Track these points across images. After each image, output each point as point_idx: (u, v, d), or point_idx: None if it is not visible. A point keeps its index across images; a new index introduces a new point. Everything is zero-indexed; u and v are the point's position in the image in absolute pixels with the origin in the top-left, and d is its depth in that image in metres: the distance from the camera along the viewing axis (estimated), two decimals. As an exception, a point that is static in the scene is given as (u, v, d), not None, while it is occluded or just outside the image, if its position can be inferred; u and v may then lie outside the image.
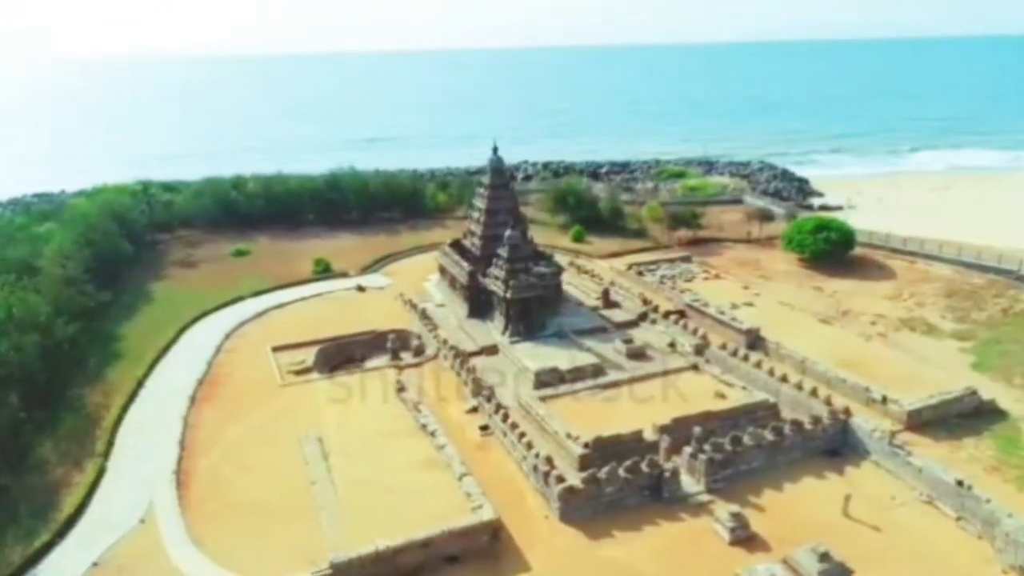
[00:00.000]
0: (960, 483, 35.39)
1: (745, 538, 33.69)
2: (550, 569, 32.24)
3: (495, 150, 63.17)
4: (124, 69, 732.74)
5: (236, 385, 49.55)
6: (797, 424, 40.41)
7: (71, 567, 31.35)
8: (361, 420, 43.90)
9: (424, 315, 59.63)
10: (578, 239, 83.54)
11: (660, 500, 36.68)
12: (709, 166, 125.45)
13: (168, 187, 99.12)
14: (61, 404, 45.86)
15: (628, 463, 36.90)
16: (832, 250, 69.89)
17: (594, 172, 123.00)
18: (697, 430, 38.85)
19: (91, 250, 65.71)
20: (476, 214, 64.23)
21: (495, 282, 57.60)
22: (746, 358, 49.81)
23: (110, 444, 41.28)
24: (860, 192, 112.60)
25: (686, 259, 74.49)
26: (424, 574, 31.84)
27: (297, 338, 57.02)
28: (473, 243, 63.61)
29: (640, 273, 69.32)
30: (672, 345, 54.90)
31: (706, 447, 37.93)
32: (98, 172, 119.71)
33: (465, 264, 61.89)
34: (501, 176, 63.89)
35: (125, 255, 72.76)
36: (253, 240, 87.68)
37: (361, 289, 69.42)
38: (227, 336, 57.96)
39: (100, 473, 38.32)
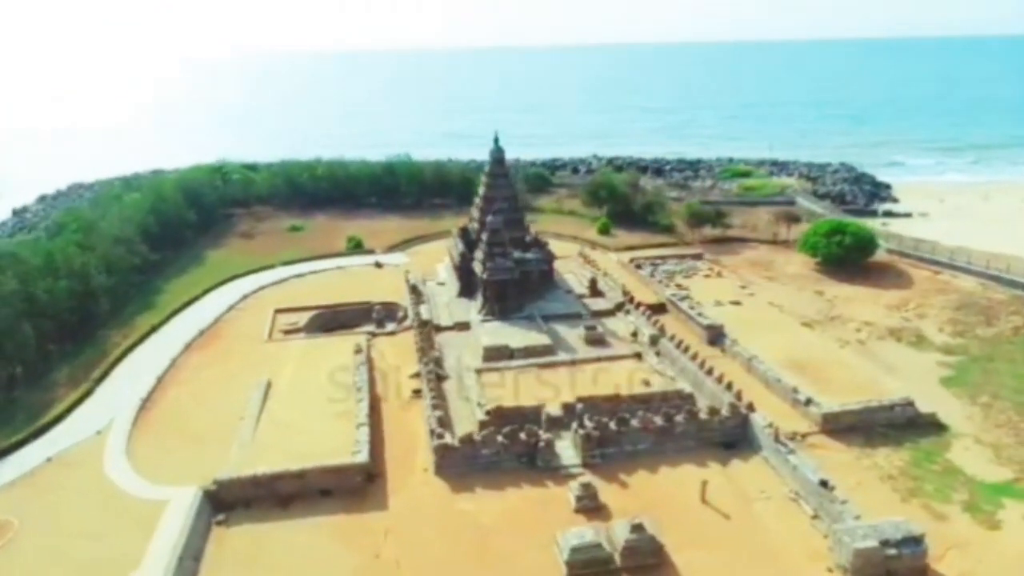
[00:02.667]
0: (824, 483, 35.23)
1: (591, 508, 35.62)
2: (403, 511, 35.97)
3: (496, 140, 66.68)
4: (261, 65, 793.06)
5: (230, 337, 56.90)
6: (691, 413, 41.25)
7: (30, 460, 39.24)
8: (312, 373, 49.38)
9: (413, 290, 64.46)
10: (603, 231, 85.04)
11: (535, 468, 39.23)
12: (779, 166, 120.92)
13: (251, 167, 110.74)
14: (87, 341, 55.12)
15: (506, 430, 39.78)
16: (845, 254, 67.22)
17: (658, 169, 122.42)
18: (579, 408, 40.89)
19: (155, 217, 76.23)
20: (477, 200, 68.15)
21: (478, 264, 61.38)
22: (686, 350, 50.43)
23: (106, 374, 49.56)
24: (942, 200, 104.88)
25: (697, 256, 74.29)
26: (298, 501, 36.57)
27: (302, 303, 63.88)
28: (472, 227, 67.60)
29: (638, 266, 70.26)
30: (634, 334, 56.24)
31: (586, 424, 39.93)
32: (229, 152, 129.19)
33: (460, 246, 66.07)
34: (500, 166, 67.30)
35: (189, 223, 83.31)
36: (311, 218, 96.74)
37: (379, 265, 75.52)
38: (244, 297, 65.87)
39: (86, 395, 46.48)
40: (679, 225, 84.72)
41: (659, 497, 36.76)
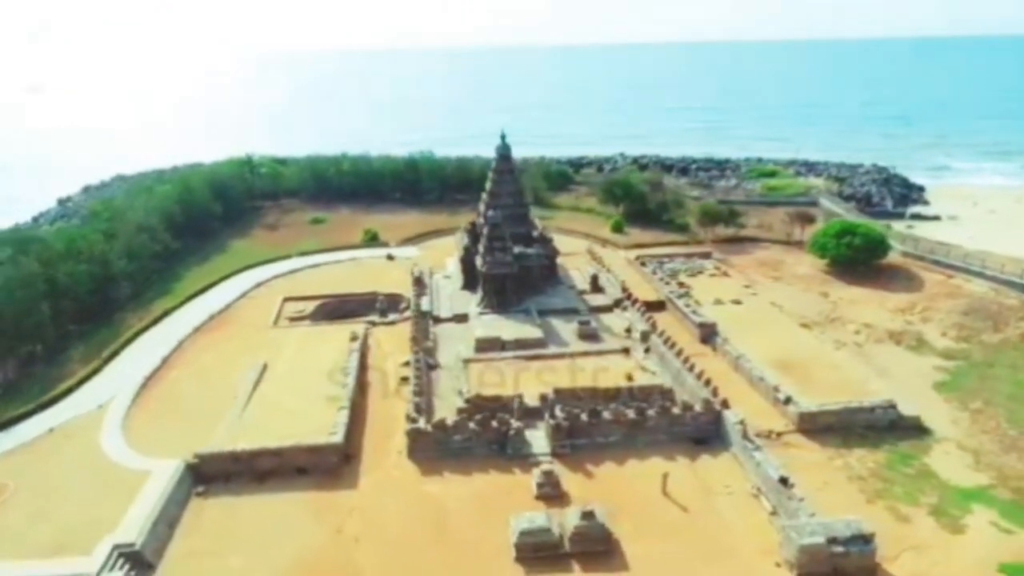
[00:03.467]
0: (783, 480, 35.29)
1: (552, 495, 36.41)
2: (371, 491, 37.43)
3: (503, 138, 67.71)
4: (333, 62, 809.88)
5: (237, 323, 59.38)
6: (663, 408, 41.61)
7: (35, 429, 42.17)
8: (308, 358, 51.31)
9: (416, 282, 66.03)
10: (616, 229, 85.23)
11: (505, 455, 40.21)
12: (808, 167, 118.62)
13: (281, 161, 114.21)
14: (105, 322, 58.30)
15: (478, 417, 40.87)
16: (854, 255, 66.07)
17: (684, 168, 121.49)
18: (550, 398, 41.68)
19: (181, 207, 79.66)
20: (484, 196, 69.30)
21: (479, 258, 62.55)
22: (672, 346, 50.64)
23: (116, 353, 52.45)
24: (975, 203, 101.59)
25: (705, 255, 73.98)
26: (275, 477, 38.36)
27: (311, 292, 66.11)
28: (478, 223, 68.79)
29: (643, 264, 70.37)
30: (628, 330, 56.62)
31: (557, 415, 40.72)
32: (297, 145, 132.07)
33: (466, 240, 67.37)
34: (507, 162, 68.28)
35: (215, 214, 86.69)
36: (335, 211, 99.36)
37: (390, 258, 77.39)
38: (257, 285, 68.49)
39: (95, 372, 49.38)
40: (693, 224, 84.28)
41: (622, 488, 37.32)
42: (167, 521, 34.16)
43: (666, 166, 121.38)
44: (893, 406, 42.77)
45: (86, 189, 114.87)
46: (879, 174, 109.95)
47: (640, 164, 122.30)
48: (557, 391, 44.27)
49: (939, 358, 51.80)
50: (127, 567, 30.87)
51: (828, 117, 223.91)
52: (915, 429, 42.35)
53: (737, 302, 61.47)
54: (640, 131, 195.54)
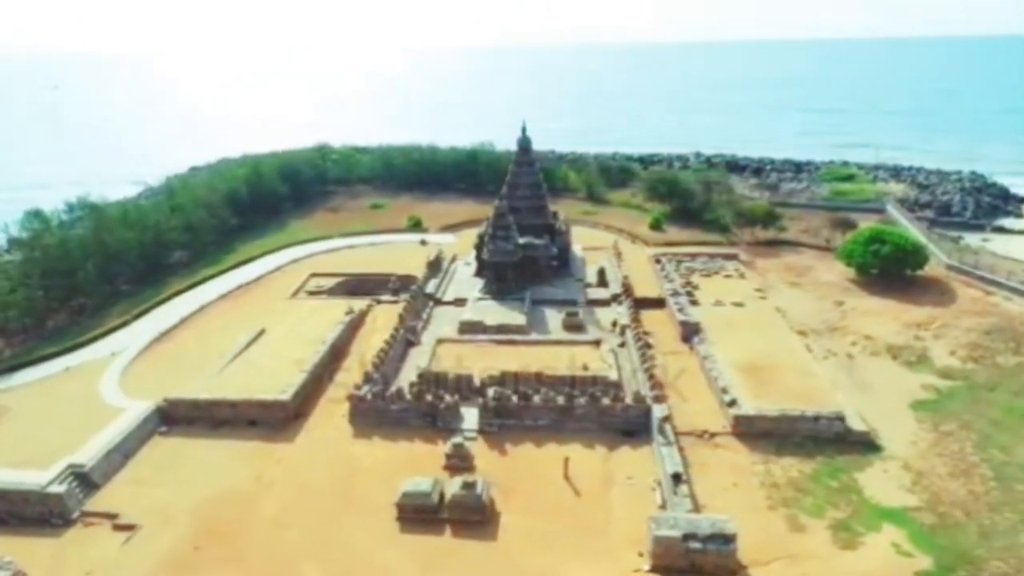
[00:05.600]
0: (676, 476, 35.32)
1: (459, 467, 38.22)
2: (304, 446, 41.04)
3: (524, 130, 69.56)
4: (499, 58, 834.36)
5: (259, 293, 65.28)
6: (593, 398, 42.22)
7: (55, 368, 49.46)
8: (303, 327, 55.86)
9: (431, 265, 69.32)
10: (655, 227, 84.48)
11: (435, 428, 42.54)
12: (893, 171, 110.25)
13: (361, 150, 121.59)
14: (153, 284, 66.05)
15: (415, 390, 43.47)
16: (881, 264, 62.10)
17: (757, 169, 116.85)
18: (485, 380, 43.45)
19: (248, 188, 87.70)
20: (504, 187, 71.44)
21: (484, 246, 64.97)
22: (637, 339, 50.72)
23: (146, 311, 59.66)
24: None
25: (731, 257, 72.05)
26: (228, 426, 42.88)
27: (338, 270, 71.18)
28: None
29: (657, 261, 69.73)
30: (615, 324, 56.96)
31: (488, 395, 42.52)
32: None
33: (484, 228, 69.86)
34: (526, 154, 70.15)
35: (282, 196, 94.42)
36: (397, 198, 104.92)
37: (423, 243, 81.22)
38: (293, 261, 74.54)
39: (123, 325, 56.64)
40: (732, 225, 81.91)
41: (529, 468, 38.60)
42: (123, 452, 39.43)
43: (739, 166, 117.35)
44: (841, 419, 40.93)
45: (193, 169, 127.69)
46: (972, 182, 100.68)
47: (711, 163, 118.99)
48: (503, 373, 46.01)
49: (935, 376, 48.33)
50: (74, 484, 36.21)
51: (955, 122, 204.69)
52: (862, 444, 40.32)
53: (739, 304, 59.94)
54: (744, 131, 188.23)
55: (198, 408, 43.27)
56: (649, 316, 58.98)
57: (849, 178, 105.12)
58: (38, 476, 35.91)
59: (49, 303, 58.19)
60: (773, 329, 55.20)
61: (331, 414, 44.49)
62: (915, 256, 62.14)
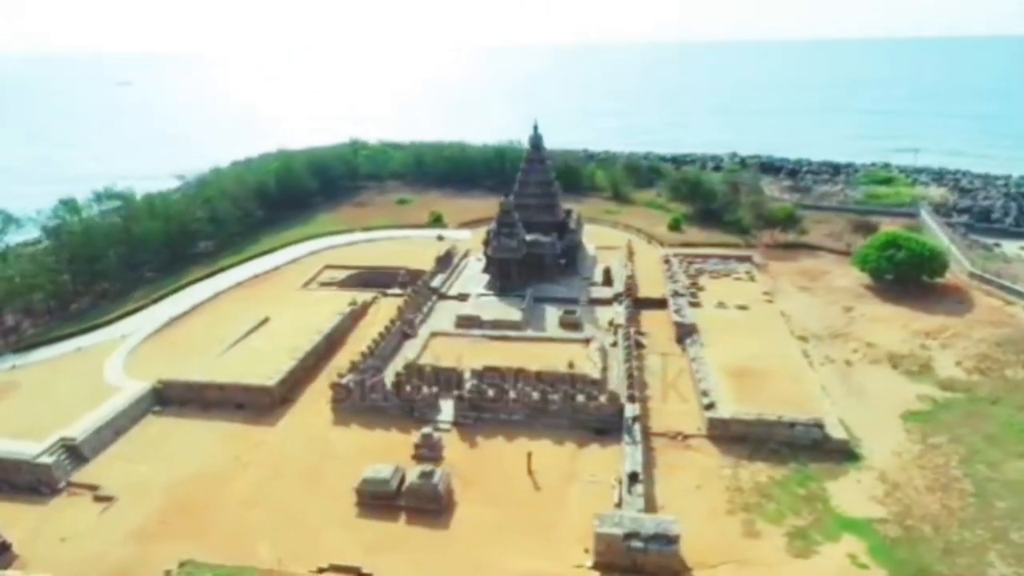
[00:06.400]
0: (633, 475, 35.22)
1: (427, 456, 38.90)
2: (283, 430, 42.49)
3: (535, 128, 69.82)
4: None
5: (273, 283, 67.41)
6: (568, 395, 42.31)
7: (69, 347, 52.38)
8: (305, 317, 57.48)
9: (440, 260, 70.27)
10: (674, 227, 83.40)
11: (412, 418, 43.39)
12: (936, 175, 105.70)
13: (396, 146, 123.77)
14: (174, 272, 69.04)
15: (395, 381, 44.41)
16: (895, 270, 59.94)
17: (792, 171, 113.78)
18: (467, 374, 44.10)
19: (277, 182, 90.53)
20: (515, 184, 71.84)
21: (489, 242, 65.56)
22: (626, 339, 50.45)
23: (163, 297, 62.42)
24: None
25: (744, 259, 70.67)
26: (217, 408, 44.67)
27: (352, 263, 72.91)
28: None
29: (667, 262, 68.95)
30: (611, 323, 56.74)
31: (465, 388, 43.12)
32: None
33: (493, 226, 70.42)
34: (537, 152, 70.36)
35: (311, 191, 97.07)
36: (425, 194, 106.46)
37: (440, 238, 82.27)
38: (311, 253, 76.60)
39: (139, 309, 59.45)
40: (752, 227, 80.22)
41: (496, 461, 39.05)
42: (115, 429, 41.61)
43: (774, 167, 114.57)
44: (819, 426, 39.96)
45: (234, 163, 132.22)
46: (1017, 187, 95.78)
47: (745, 164, 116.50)
48: (486, 368, 46.52)
49: (934, 387, 46.55)
50: (63, 456, 38.48)
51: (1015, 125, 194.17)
52: (839, 452, 39.32)
53: (743, 307, 58.90)
54: (795, 133, 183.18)
55: (191, 390, 45.24)
56: (651, 316, 58.63)
57: (888, 181, 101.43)
58: (31, 447, 38.26)
59: (76, 287, 61.57)
60: (772, 333, 54.07)
61: (316, 401, 45.83)
62: (932, 262, 59.72)
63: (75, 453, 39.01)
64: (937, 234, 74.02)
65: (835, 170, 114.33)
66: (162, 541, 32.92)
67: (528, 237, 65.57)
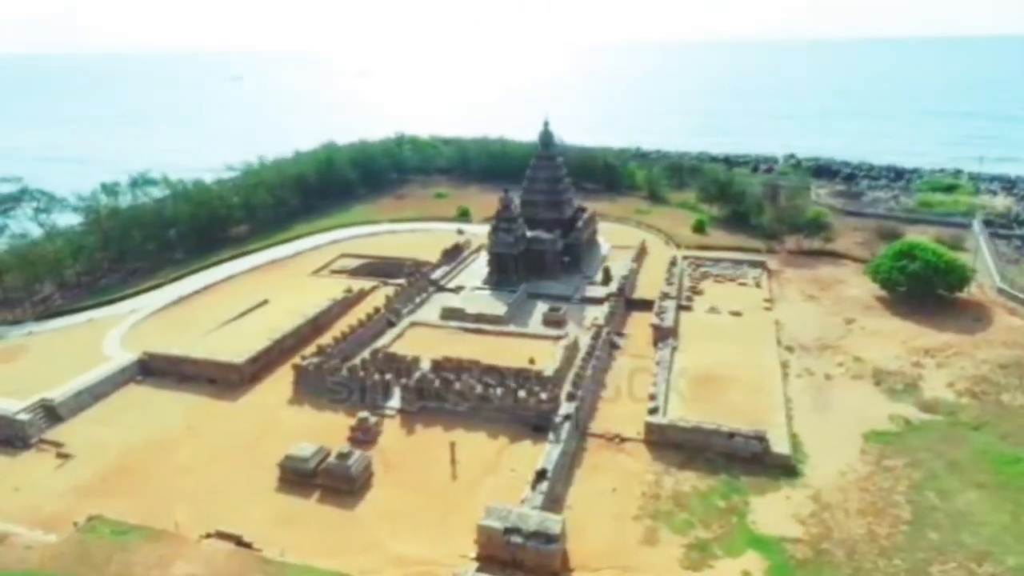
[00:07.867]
0: (541, 473, 35.09)
1: (361, 440, 40.22)
2: (241, 405, 44.89)
3: (546, 124, 69.77)
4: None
5: (287, 268, 70.65)
6: (509, 390, 42.44)
7: (82, 319, 57.06)
8: (300, 301, 59.83)
9: (446, 252, 71.45)
10: (697, 229, 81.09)
11: (363, 403, 44.75)
12: (1008, 184, 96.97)
13: (447, 141, 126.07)
14: (200, 253, 73.59)
15: (349, 365, 45.92)
16: (908, 282, 56.03)
17: (850, 175, 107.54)
18: (425, 365, 45.16)
19: (316, 173, 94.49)
20: (524, 181, 72.04)
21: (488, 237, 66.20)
22: (598, 338, 49.88)
23: (182, 276, 66.73)
24: None
25: (756, 264, 67.95)
26: (191, 381, 47.61)
27: (368, 252, 75.35)
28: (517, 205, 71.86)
29: (672, 264, 67.20)
30: (593, 322, 56.19)
31: (412, 377, 44.11)
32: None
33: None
34: (546, 149, 70.35)
35: (352, 182, 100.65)
36: (465, 189, 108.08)
37: (460, 232, 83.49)
38: (333, 242, 79.59)
39: (156, 287, 63.90)
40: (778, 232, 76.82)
41: (425, 448, 39.80)
42: (95, 394, 45.20)
43: (830, 171, 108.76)
44: (759, 438, 38.31)
45: (296, 153, 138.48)
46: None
47: (799, 166, 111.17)
48: (445, 359, 47.31)
49: (913, 407, 43.51)
50: (40, 414, 42.29)
51: None
52: (778, 468, 37.59)
53: (737, 313, 56.95)
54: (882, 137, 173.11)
55: (171, 363, 48.45)
56: (641, 318, 57.58)
57: (950, 188, 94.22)
58: (13, 405, 42.23)
59: (109, 265, 66.94)
60: (756, 342, 51.97)
61: (281, 381, 47.98)
62: (949, 275, 55.40)
63: (52, 413, 42.73)
64: (980, 246, 68.46)
65: (897, 175, 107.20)
66: (95, 497, 35.70)
67: (529, 234, 65.77)
